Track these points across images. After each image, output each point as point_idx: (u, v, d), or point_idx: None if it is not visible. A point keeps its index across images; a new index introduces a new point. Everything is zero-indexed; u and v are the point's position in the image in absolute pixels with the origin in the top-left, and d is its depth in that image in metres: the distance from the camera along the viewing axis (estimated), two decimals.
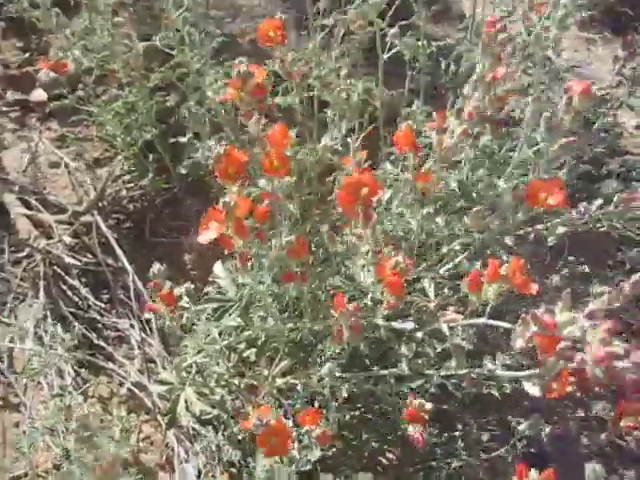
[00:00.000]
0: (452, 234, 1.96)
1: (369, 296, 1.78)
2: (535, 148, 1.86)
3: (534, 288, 1.47)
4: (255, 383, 2.43)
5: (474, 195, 2.13)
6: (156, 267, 1.81)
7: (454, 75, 2.69)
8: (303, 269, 1.80)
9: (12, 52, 3.66)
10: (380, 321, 1.68)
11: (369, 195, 1.53)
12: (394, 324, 1.65)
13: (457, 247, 2.09)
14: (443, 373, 1.76)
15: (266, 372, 2.33)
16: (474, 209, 1.73)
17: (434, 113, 2.03)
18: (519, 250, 2.02)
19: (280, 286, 1.95)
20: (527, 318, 1.35)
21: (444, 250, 2.13)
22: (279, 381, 2.32)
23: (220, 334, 2.10)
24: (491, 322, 1.52)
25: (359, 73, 2.73)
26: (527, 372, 1.45)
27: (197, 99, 2.72)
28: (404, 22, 2.61)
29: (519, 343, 1.36)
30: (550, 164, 1.83)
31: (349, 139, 2.94)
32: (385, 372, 1.81)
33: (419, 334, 1.74)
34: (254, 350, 2.32)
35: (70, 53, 2.69)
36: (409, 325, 1.61)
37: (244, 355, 2.34)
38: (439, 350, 1.84)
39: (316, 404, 1.95)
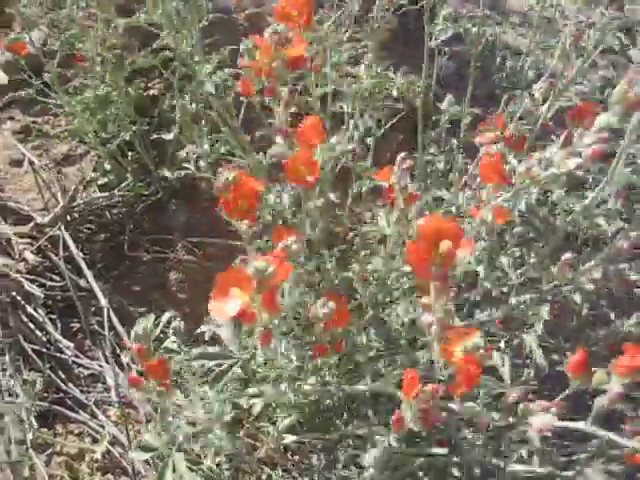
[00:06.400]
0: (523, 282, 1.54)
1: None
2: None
3: None
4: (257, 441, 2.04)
5: (538, 224, 1.71)
6: (141, 324, 1.38)
7: (512, 73, 2.23)
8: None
9: None
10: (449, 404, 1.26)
11: (451, 252, 1.07)
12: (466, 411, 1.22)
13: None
14: (519, 468, 1.35)
15: (271, 428, 1.94)
16: (564, 257, 1.30)
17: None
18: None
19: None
20: None
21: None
22: (289, 437, 1.93)
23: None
24: (604, 434, 1.10)
25: (378, 61, 2.26)
26: None
27: (184, 90, 2.25)
28: None
29: None
30: None
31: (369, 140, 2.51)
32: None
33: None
34: (259, 401, 1.92)
35: (27, 34, 2.20)
36: (485, 417, 1.18)
37: (245, 406, 1.95)
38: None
39: None
